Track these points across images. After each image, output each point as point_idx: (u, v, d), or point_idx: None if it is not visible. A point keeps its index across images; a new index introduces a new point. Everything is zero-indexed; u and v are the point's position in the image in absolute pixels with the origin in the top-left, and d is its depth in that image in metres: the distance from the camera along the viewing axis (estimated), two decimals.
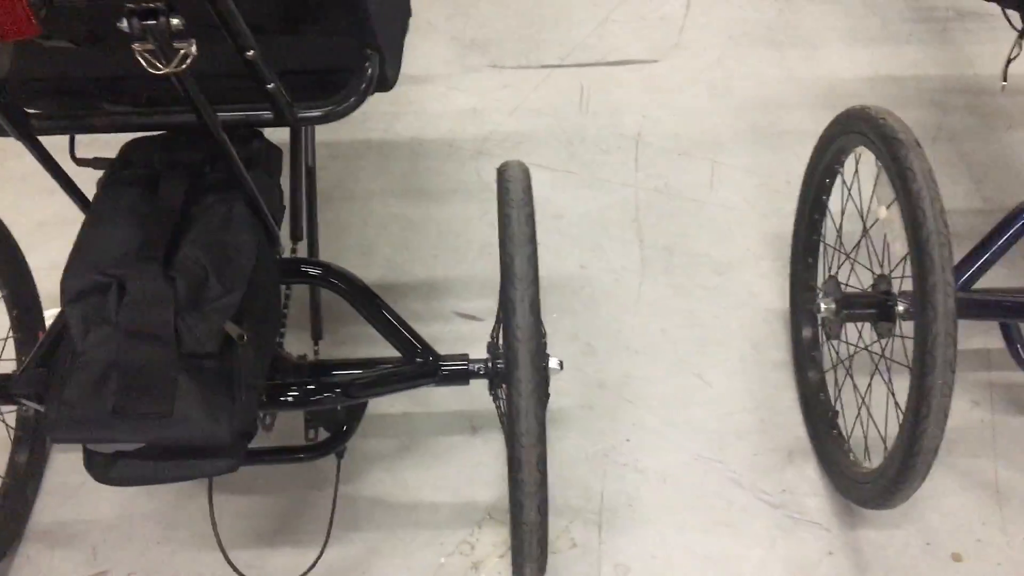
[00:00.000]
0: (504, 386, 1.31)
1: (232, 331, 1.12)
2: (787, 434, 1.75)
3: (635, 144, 2.32)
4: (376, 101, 2.45)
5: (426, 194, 2.23)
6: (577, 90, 2.47)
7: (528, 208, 1.28)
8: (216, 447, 1.13)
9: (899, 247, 1.42)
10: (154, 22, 0.88)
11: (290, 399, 1.33)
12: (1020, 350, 1.54)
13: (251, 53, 1.02)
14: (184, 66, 0.93)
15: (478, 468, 1.72)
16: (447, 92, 2.48)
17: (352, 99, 1.17)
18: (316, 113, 1.16)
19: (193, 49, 0.92)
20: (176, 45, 0.91)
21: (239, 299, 1.13)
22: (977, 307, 1.49)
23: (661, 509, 1.66)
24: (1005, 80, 1.69)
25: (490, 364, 1.40)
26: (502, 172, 1.36)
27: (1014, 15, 1.71)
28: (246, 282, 1.15)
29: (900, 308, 1.40)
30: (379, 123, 2.41)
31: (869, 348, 1.54)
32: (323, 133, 2.37)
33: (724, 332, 1.92)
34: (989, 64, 2.50)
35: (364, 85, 1.17)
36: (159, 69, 0.92)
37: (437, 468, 1.73)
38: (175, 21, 0.88)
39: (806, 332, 1.75)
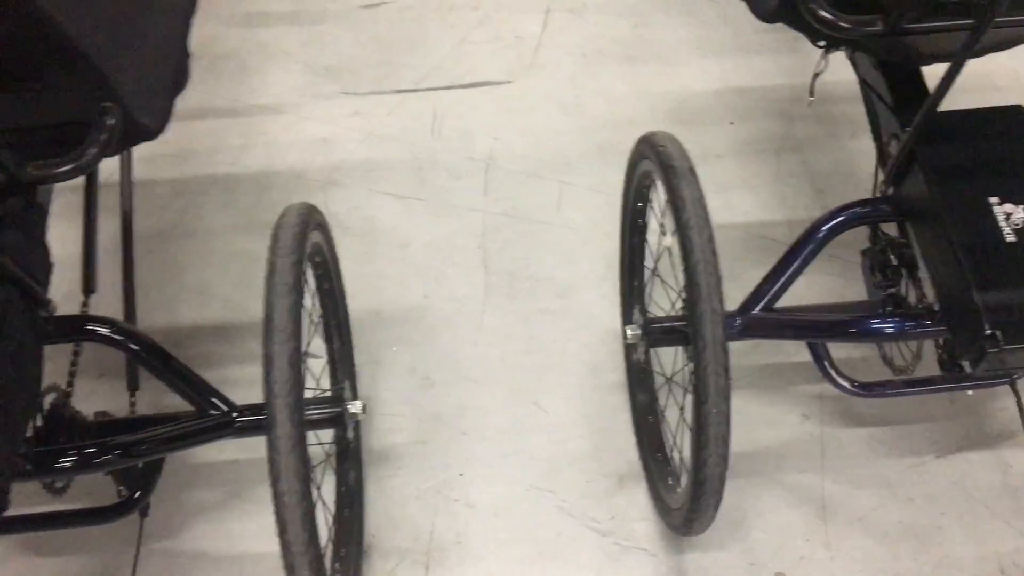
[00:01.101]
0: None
1: None
2: (620, 459, 1.75)
3: (485, 168, 2.30)
4: (224, 133, 2.44)
5: (271, 229, 2.19)
6: (430, 115, 2.45)
7: (294, 256, 1.25)
8: None
9: None
10: None
11: (67, 464, 1.28)
12: (827, 366, 1.54)
13: None
14: None
15: None
16: (298, 121, 2.44)
17: (91, 153, 1.13)
18: (52, 171, 1.12)
19: None
20: None
21: None
22: (770, 327, 1.49)
23: (491, 544, 1.65)
24: (812, 95, 1.70)
25: None
26: (280, 217, 1.33)
27: None
28: None
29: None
30: (227, 156, 2.36)
31: (671, 379, 1.54)
32: (167, 170, 2.33)
33: (563, 356, 1.91)
34: (839, 71, 2.52)
35: (104, 138, 1.13)
36: None
37: (265, 517, 1.68)
38: None
39: (634, 354, 1.75)
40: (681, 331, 1.44)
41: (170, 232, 2.18)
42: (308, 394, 1.53)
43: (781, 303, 1.52)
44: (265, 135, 2.41)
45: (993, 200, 1.30)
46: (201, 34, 2.68)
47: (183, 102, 2.47)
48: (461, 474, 1.74)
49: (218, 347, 1.97)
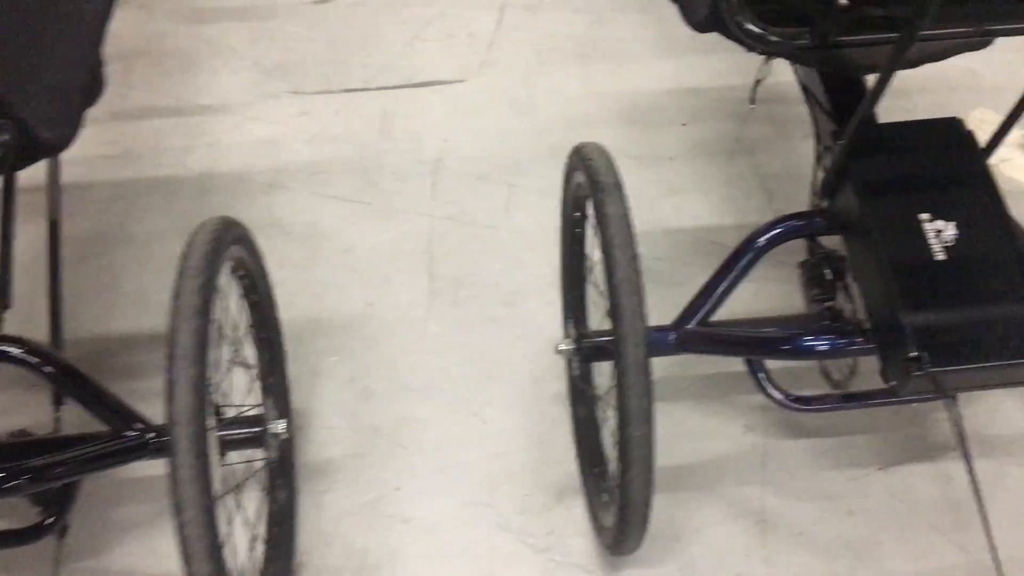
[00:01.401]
0: None
1: None
2: (559, 472, 1.72)
3: (434, 170, 2.26)
4: (168, 134, 2.39)
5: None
6: (379, 115, 2.40)
7: (202, 278, 1.20)
8: None
9: None
10: None
11: None
12: (762, 379, 1.52)
13: None
14: None
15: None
16: (244, 122, 2.39)
17: None
18: None
19: None
20: None
21: None
22: (704, 343, 1.46)
23: (424, 561, 1.61)
24: (753, 103, 1.67)
25: None
26: (190, 235, 1.28)
27: None
28: None
29: None
30: (169, 158, 2.31)
31: (602, 396, 1.51)
32: (107, 172, 2.28)
33: (505, 366, 1.88)
34: (789, 71, 2.49)
35: None
36: None
37: None
38: None
39: (573, 366, 1.72)
40: (609, 348, 1.41)
41: (107, 237, 2.13)
42: (234, 411, 1.50)
43: (725, 314, 1.50)
44: (209, 136, 2.36)
45: (924, 217, 1.27)
46: (147, 31, 2.63)
47: (124, 103, 2.45)
48: (398, 488, 1.71)
49: (154, 356, 1.91)
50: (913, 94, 2.39)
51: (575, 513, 1.66)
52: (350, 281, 2.04)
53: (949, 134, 1.36)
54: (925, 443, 1.73)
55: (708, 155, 2.27)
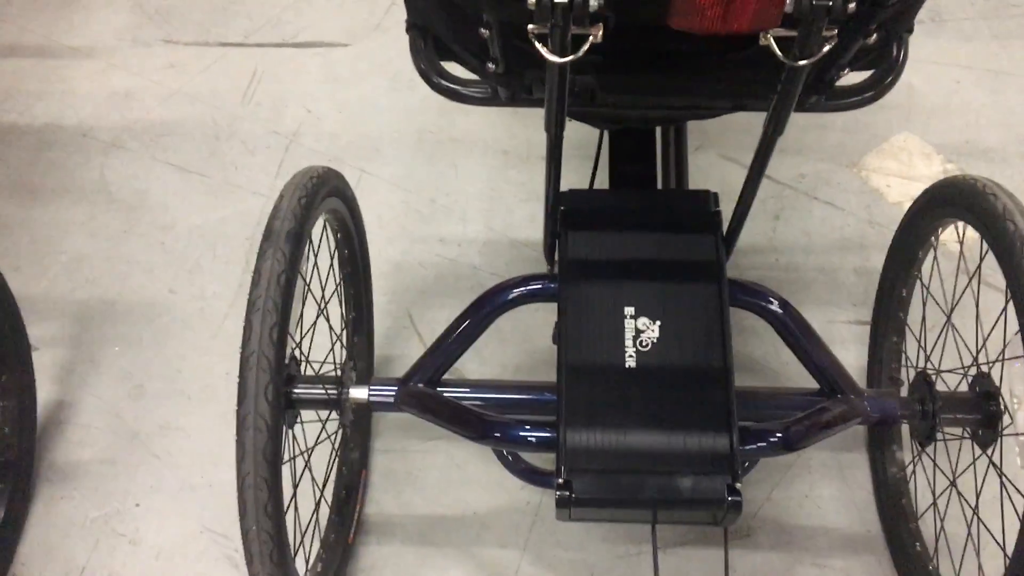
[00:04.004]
0: None
1: None
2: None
3: (287, 144, 2.10)
4: (24, 76, 2.25)
5: (35, 192, 2.02)
6: (248, 75, 2.23)
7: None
8: None
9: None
10: None
11: None
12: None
13: None
14: None
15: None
16: (106, 69, 2.24)
17: None
18: None
19: None
20: None
21: None
22: (420, 406, 1.28)
23: None
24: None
25: None
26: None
27: None
28: None
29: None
30: (18, 103, 2.18)
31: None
32: None
33: None
34: None
35: None
36: None
37: None
38: None
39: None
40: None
41: None
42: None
43: None
44: (66, 83, 2.22)
45: (628, 311, 1.08)
46: None
47: None
48: (137, 504, 1.60)
49: None
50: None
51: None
52: (159, 263, 1.90)
53: (693, 212, 1.15)
54: (704, 529, 1.55)
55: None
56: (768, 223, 1.95)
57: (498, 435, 1.20)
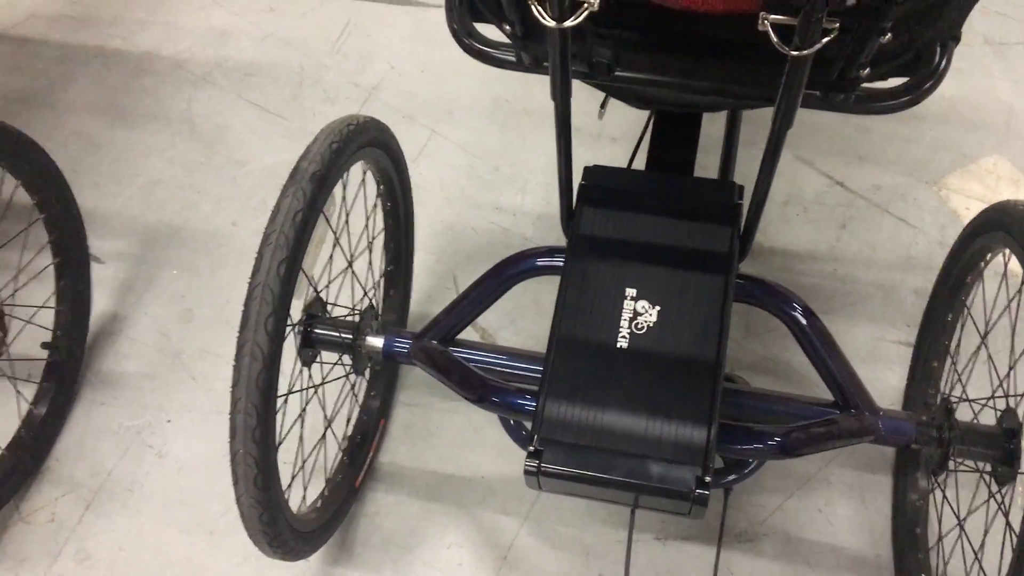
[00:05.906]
0: None
1: None
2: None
3: (366, 98, 2.14)
4: (134, 6, 2.36)
5: (124, 115, 2.12)
6: (341, 26, 2.28)
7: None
8: None
9: None
10: None
11: None
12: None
13: None
14: None
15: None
16: (209, 6, 2.33)
17: None
18: None
19: None
20: None
21: None
22: (430, 362, 1.29)
23: (158, 501, 1.59)
24: (604, 107, 1.45)
25: None
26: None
27: None
28: None
29: None
30: (123, 29, 2.29)
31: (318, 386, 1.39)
32: (64, 33, 2.29)
33: None
34: None
35: None
36: None
37: None
38: None
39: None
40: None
41: (32, 99, 2.15)
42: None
43: None
44: (170, 15, 2.32)
45: (630, 292, 1.07)
46: None
47: None
48: (169, 420, 1.68)
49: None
50: (926, 121, 2.05)
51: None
52: (228, 196, 1.98)
53: (714, 202, 1.13)
54: (709, 528, 1.53)
55: None
56: (833, 231, 1.89)
57: (496, 400, 1.21)
